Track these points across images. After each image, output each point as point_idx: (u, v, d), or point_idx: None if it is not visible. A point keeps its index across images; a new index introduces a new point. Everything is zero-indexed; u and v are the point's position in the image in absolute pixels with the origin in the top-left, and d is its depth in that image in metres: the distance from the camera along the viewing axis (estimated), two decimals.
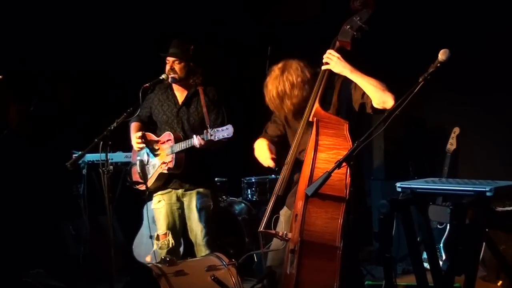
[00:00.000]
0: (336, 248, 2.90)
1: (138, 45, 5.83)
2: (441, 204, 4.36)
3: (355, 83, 3.17)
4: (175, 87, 4.22)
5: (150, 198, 4.36)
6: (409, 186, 2.96)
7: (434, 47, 2.82)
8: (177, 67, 4.08)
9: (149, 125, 4.33)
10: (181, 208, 4.23)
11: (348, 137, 3.01)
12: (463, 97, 5.32)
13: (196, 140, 3.85)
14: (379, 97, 3.06)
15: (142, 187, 4.23)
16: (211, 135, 3.75)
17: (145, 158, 4.27)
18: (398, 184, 3.00)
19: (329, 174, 2.68)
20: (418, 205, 3.04)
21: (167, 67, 4.10)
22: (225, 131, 3.73)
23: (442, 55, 2.69)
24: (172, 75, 4.07)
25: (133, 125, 4.31)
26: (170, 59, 4.10)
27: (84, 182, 4.79)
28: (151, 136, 4.26)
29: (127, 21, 5.84)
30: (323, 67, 3.20)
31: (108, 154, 3.67)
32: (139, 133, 4.17)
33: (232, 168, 5.76)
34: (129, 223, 5.38)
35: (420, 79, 2.71)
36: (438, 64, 2.70)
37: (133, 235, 5.21)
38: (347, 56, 3.17)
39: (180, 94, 4.21)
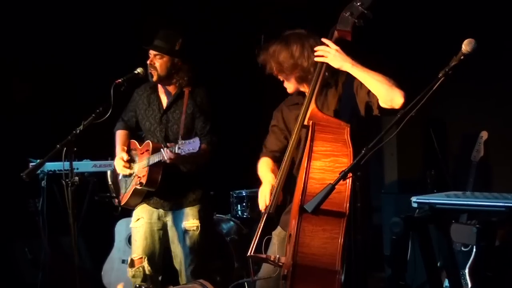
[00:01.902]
0: (336, 272, 2.89)
1: (112, 33, 5.80)
2: (466, 223, 4.35)
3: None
4: (161, 88, 4.22)
5: (122, 216, 4.35)
6: (427, 201, 2.96)
7: (456, 37, 2.82)
8: (158, 62, 4.07)
9: (137, 132, 4.35)
10: (163, 229, 4.21)
11: (349, 142, 3.01)
12: (491, 96, 5.32)
13: (164, 154, 3.85)
14: (386, 94, 3.06)
15: (119, 202, 4.24)
16: (179, 148, 3.74)
17: None
18: (414, 199, 3.00)
19: (332, 187, 2.67)
20: (438, 223, 3.04)
21: (148, 62, 4.10)
22: (191, 145, 3.71)
23: (466, 46, 2.68)
24: (151, 71, 4.06)
25: (119, 134, 4.32)
26: (152, 53, 4.10)
27: (43, 196, 4.78)
28: (135, 144, 4.27)
29: (99, 5, 5.82)
30: (318, 59, 3.19)
31: (73, 162, 3.66)
32: (125, 155, 4.16)
33: (220, 180, 5.74)
34: (98, 245, 5.37)
35: (440, 75, 2.71)
36: (462, 57, 2.69)
37: (103, 259, 5.20)
38: (348, 48, 3.17)
39: (165, 97, 4.21)
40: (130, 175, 4.19)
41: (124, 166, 4.16)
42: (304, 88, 3.37)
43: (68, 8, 5.70)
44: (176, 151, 3.75)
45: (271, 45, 3.35)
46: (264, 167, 3.52)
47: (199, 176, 4.17)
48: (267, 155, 3.56)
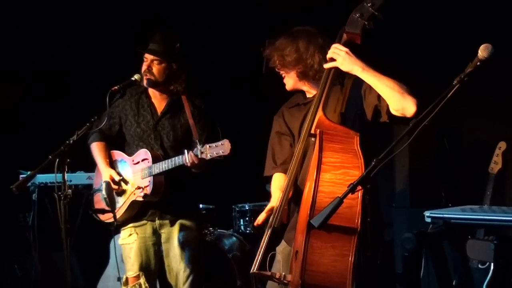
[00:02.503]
0: None
1: (106, 41, 5.81)
2: (483, 239, 4.34)
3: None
4: (153, 93, 4.19)
5: (118, 231, 4.33)
6: (442, 215, 2.95)
7: (471, 42, 2.81)
8: (155, 68, 4.04)
9: (117, 139, 4.28)
10: (158, 243, 4.20)
11: (359, 153, 3.01)
12: (509, 104, 5.31)
13: (187, 157, 3.82)
14: (397, 101, 3.05)
15: (108, 218, 4.19)
16: (202, 152, 3.72)
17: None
18: (427, 213, 2.99)
19: (340, 200, 2.66)
20: (453, 239, 3.03)
21: (144, 67, 4.06)
22: (220, 148, 3.70)
23: (483, 51, 2.68)
24: (148, 77, 4.04)
25: (97, 147, 4.22)
26: (148, 57, 4.07)
27: (34, 209, 4.78)
28: (121, 155, 4.22)
29: (93, 12, 5.83)
30: (327, 65, 3.19)
31: (66, 174, 3.64)
32: (114, 174, 4.12)
33: (221, 193, 5.74)
34: (92, 261, 5.36)
35: (455, 81, 2.70)
36: (478, 63, 2.69)
37: (97, 276, 5.18)
38: (357, 52, 3.16)
39: (158, 102, 4.18)
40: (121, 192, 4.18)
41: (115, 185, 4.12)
42: (305, 86, 3.38)
43: (61, 16, 5.72)
44: (200, 156, 3.73)
45: (278, 39, 3.37)
46: (276, 185, 3.48)
47: (194, 186, 4.17)
48: (279, 170, 3.52)
